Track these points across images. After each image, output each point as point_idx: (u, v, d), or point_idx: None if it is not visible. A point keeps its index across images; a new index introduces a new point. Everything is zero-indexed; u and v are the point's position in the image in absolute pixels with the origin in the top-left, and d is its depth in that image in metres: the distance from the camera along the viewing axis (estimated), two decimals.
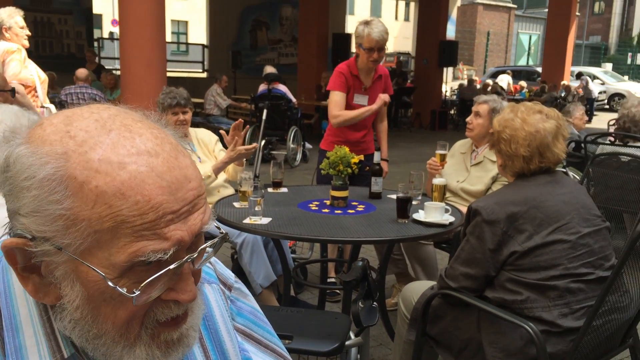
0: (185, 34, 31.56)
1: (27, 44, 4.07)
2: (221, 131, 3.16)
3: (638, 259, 1.78)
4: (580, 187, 1.98)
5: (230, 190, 3.31)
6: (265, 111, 4.67)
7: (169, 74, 8.07)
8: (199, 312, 0.72)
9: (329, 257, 3.29)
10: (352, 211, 2.64)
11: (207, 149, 3.35)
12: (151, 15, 6.38)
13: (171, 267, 0.63)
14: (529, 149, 1.85)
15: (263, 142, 5.13)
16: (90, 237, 0.59)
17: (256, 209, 2.41)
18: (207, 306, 0.84)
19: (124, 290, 0.61)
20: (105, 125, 0.62)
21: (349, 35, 12.93)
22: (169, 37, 24.71)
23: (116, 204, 0.59)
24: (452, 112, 14.62)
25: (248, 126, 3.23)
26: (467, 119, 3.19)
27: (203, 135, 3.39)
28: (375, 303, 1.52)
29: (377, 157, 2.90)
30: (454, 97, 15.87)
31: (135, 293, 0.61)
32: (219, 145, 3.46)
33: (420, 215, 2.47)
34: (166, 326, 0.67)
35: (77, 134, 0.61)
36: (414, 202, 2.71)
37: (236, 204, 2.73)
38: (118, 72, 7.72)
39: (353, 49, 3.75)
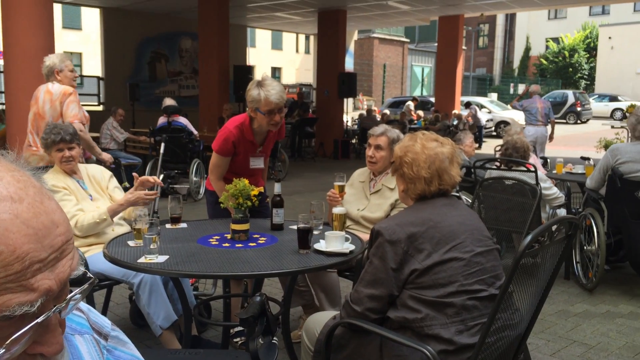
0: (80, 65, 30.25)
1: (75, 84, 4.50)
2: (134, 174, 3.02)
3: (526, 277, 1.89)
4: (472, 212, 2.10)
5: (125, 228, 3.16)
6: (163, 144, 4.55)
7: None
8: None
9: (233, 292, 3.20)
10: (254, 244, 2.60)
11: (99, 185, 3.19)
12: (39, 47, 6.05)
13: (39, 320, 0.58)
14: (429, 170, 1.97)
15: (162, 176, 4.98)
16: None
17: (152, 246, 2.31)
18: (79, 359, 0.78)
19: None
20: None
21: (250, 68, 13.00)
22: None
23: None
24: (353, 141, 15.02)
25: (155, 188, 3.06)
26: (369, 153, 3.24)
27: (94, 172, 3.23)
28: (275, 339, 1.49)
29: (277, 188, 2.90)
30: (355, 127, 16.35)
31: None
32: (113, 181, 3.31)
33: (321, 245, 2.48)
34: None
35: None
36: (315, 232, 2.73)
37: (131, 243, 2.60)
38: (2, 106, 7.22)
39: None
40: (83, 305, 0.83)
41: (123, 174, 5.54)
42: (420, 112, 17.95)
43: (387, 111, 17.18)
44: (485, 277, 1.89)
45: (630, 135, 4.35)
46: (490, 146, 15.01)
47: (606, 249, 4.19)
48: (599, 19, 34.82)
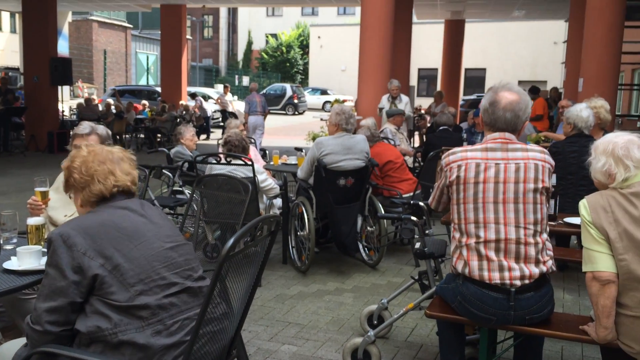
0: None
1: None
2: None
3: (238, 272, 1.92)
4: (160, 212, 2.05)
5: None
6: None
7: None
8: None
9: None
10: None
11: None
12: None
13: None
14: (100, 168, 1.93)
15: None
16: None
17: None
18: None
19: None
20: None
21: None
22: None
23: None
24: (71, 132, 13.78)
25: None
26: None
27: None
28: None
29: None
30: (74, 117, 15.00)
31: None
32: None
33: (12, 264, 2.16)
34: None
35: None
36: (8, 247, 2.38)
37: None
38: None
39: None
40: None
41: None
42: (145, 102, 17.38)
43: (110, 100, 16.14)
44: (178, 270, 1.88)
45: (336, 128, 4.80)
46: (217, 136, 15.35)
47: (315, 232, 4.63)
48: (310, 19, 38.38)
